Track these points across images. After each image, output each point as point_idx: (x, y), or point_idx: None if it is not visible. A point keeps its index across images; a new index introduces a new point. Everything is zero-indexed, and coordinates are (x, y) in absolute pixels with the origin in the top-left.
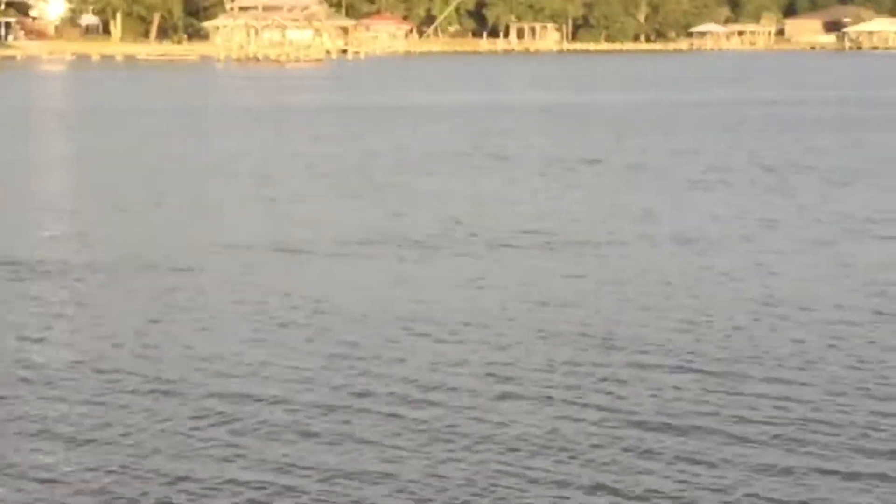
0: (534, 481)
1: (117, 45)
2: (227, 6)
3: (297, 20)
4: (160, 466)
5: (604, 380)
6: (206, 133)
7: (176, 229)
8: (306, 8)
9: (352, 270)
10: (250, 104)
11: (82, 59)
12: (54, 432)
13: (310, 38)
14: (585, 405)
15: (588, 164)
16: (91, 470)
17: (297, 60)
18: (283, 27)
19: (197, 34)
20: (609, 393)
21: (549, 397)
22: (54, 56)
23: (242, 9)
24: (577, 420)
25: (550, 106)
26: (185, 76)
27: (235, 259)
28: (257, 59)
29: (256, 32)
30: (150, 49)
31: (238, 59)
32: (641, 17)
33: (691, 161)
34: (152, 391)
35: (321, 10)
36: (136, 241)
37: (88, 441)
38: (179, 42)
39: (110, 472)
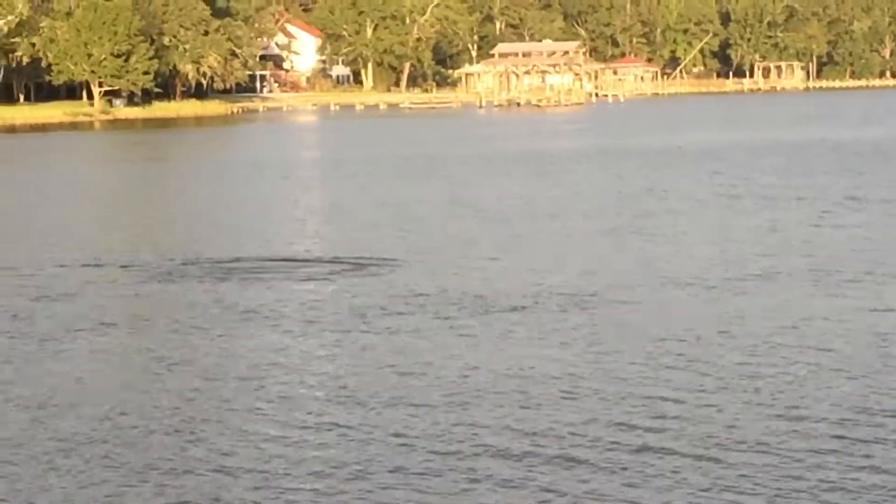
0: None
1: (371, 94)
2: (476, 52)
3: (556, 65)
4: None
5: None
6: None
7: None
8: (565, 53)
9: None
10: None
11: (346, 108)
12: None
13: (569, 83)
14: None
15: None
16: None
17: (558, 104)
18: (544, 72)
19: (444, 82)
20: None
21: None
22: (317, 106)
23: (502, 55)
24: None
25: (809, 143)
26: (462, 121)
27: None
28: (518, 104)
29: (517, 78)
30: (410, 97)
31: (499, 105)
32: (886, 54)
33: None
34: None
35: (579, 54)
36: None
37: None
38: (429, 90)
39: None
